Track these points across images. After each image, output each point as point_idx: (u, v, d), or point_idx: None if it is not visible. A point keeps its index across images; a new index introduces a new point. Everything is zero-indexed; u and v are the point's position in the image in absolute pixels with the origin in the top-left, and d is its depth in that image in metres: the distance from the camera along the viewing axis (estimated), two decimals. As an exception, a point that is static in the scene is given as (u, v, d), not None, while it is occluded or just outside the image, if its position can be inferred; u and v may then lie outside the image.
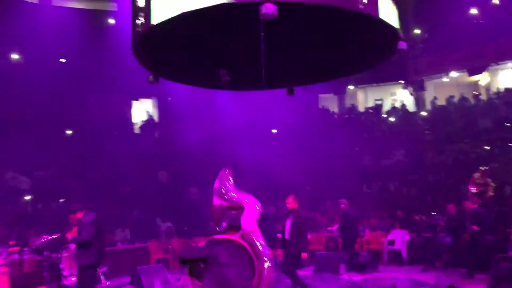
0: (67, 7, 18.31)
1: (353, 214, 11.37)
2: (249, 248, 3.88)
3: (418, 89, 21.77)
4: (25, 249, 7.92)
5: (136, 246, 12.65)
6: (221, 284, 3.62)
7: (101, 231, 6.74)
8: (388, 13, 4.29)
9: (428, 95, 21.77)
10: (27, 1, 17.58)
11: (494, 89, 20.10)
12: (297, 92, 6.23)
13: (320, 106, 23.11)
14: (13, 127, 16.03)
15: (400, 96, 22.65)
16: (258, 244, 3.93)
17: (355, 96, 24.05)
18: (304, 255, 7.42)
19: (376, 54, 5.20)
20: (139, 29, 4.25)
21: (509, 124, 16.28)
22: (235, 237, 3.92)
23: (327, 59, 5.55)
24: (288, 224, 7.64)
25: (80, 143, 17.29)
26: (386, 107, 22.50)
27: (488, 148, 15.97)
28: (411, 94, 21.96)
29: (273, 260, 4.53)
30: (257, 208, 4.14)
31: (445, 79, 21.39)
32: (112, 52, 16.65)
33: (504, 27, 17.61)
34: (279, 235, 7.78)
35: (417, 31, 20.47)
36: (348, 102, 23.52)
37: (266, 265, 3.88)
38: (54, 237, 7.30)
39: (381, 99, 23.42)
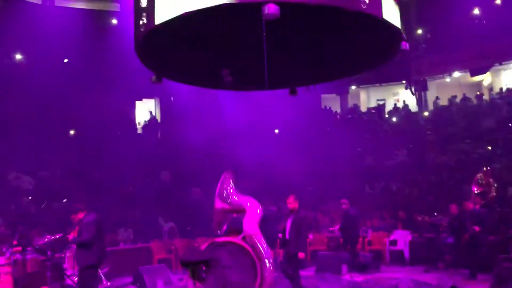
0: (69, 7, 18.35)
1: (354, 214, 11.37)
2: (251, 250, 3.91)
3: (420, 89, 21.74)
4: (28, 249, 7.93)
5: (138, 246, 12.67)
6: (224, 286, 3.65)
7: (101, 231, 6.76)
8: (391, 14, 4.30)
9: (431, 95, 21.73)
10: (29, 2, 17.63)
11: (496, 89, 20.06)
12: (299, 92, 6.24)
13: (323, 106, 23.10)
14: (17, 127, 16.07)
15: (402, 96, 22.62)
16: (260, 246, 3.96)
17: (358, 96, 24.03)
18: (301, 254, 7.38)
19: (379, 54, 5.20)
20: (142, 29, 4.26)
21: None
22: (237, 239, 3.95)
23: (330, 59, 5.55)
24: (288, 224, 7.63)
25: (83, 143, 17.32)
26: (389, 107, 22.48)
27: (491, 148, 15.94)
28: (414, 94, 21.93)
29: (274, 261, 4.55)
30: (259, 211, 4.17)
31: (447, 79, 21.36)
32: (114, 52, 16.69)
33: (507, 27, 17.56)
34: (280, 235, 7.77)
35: (420, 31, 20.45)
36: (350, 102, 23.51)
37: (267, 267, 3.91)
38: (57, 237, 7.31)
39: (383, 99, 23.41)
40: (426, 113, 20.85)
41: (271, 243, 7.59)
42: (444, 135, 17.78)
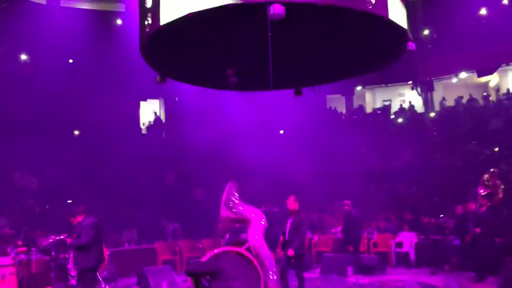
0: (74, 8, 18.40)
1: (356, 216, 11.33)
2: (256, 261, 3.90)
3: (426, 90, 21.63)
4: (33, 249, 7.93)
5: (143, 247, 12.66)
6: None
7: (100, 234, 6.76)
8: (397, 14, 4.25)
9: (437, 96, 21.63)
10: (35, 2, 17.68)
11: (503, 90, 19.93)
12: (304, 92, 6.20)
13: (328, 107, 23.04)
14: (21, 127, 16.12)
15: (408, 97, 22.53)
16: (264, 258, 3.94)
17: (363, 97, 23.95)
18: (290, 251, 7.32)
19: (385, 55, 5.16)
20: (147, 30, 4.24)
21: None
22: (241, 249, 3.94)
23: (335, 59, 5.51)
24: (288, 225, 7.58)
25: (88, 144, 17.35)
26: (394, 108, 22.39)
27: (498, 149, 15.83)
28: (420, 95, 21.83)
29: (278, 273, 4.54)
30: (263, 222, 4.17)
31: (454, 80, 21.24)
32: (119, 53, 16.72)
33: (514, 28, 17.46)
34: (282, 238, 7.72)
35: (426, 32, 20.35)
36: (356, 103, 23.43)
37: (272, 279, 3.90)
38: (61, 237, 7.30)
39: (389, 100, 23.31)
40: (432, 114, 20.75)
41: (273, 244, 7.56)
42: (450, 136, 17.68)
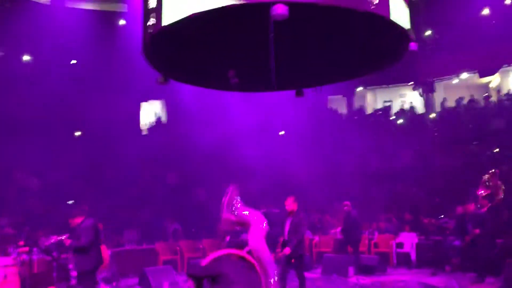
0: (77, 8, 18.41)
1: (356, 216, 11.35)
2: (257, 264, 3.92)
3: (427, 90, 21.63)
4: (35, 249, 7.95)
5: (144, 247, 12.68)
6: None
7: (99, 236, 6.77)
8: (399, 14, 4.26)
9: (438, 97, 21.62)
10: (38, 2, 17.71)
11: (504, 91, 19.92)
12: (306, 93, 6.20)
13: (329, 108, 23.03)
14: (24, 128, 16.15)
15: (409, 98, 22.52)
16: (265, 261, 3.97)
17: (364, 98, 23.95)
18: (286, 250, 7.31)
19: (387, 55, 5.16)
20: (150, 30, 4.25)
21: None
22: (242, 252, 3.96)
23: (337, 60, 5.52)
24: (287, 225, 7.58)
25: (89, 144, 17.38)
26: (395, 108, 22.38)
27: (499, 150, 15.82)
28: (421, 95, 21.82)
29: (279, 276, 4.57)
30: (264, 225, 4.19)
31: (455, 81, 21.24)
32: (121, 53, 16.73)
33: (516, 28, 17.46)
34: (281, 239, 7.72)
35: (428, 32, 20.34)
36: (357, 104, 23.43)
37: (272, 283, 3.92)
38: (63, 237, 7.31)
39: (390, 101, 23.29)
40: (433, 115, 20.74)
41: (273, 245, 7.56)
42: (451, 137, 17.67)
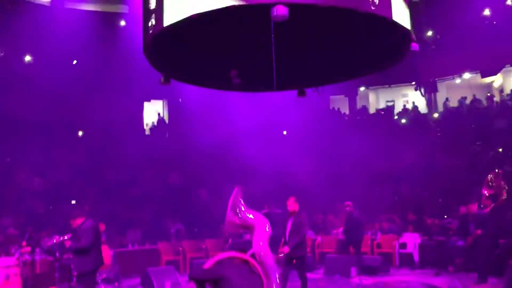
0: (78, 9, 18.44)
1: (358, 217, 11.34)
2: (260, 268, 3.92)
3: (430, 90, 21.58)
4: (37, 249, 7.96)
5: (146, 248, 12.69)
6: None
7: (99, 237, 6.77)
8: (401, 15, 4.25)
9: (440, 97, 21.58)
10: (38, 4, 17.74)
11: (507, 91, 19.86)
12: (308, 93, 6.20)
13: (331, 108, 23.02)
14: (26, 128, 16.18)
15: (411, 98, 22.48)
16: (268, 265, 3.97)
17: (366, 98, 23.91)
18: (285, 249, 7.28)
19: (389, 55, 5.16)
20: (151, 31, 4.26)
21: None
22: (246, 256, 3.96)
23: (339, 60, 5.51)
24: (288, 226, 7.54)
25: (91, 144, 17.41)
26: (398, 108, 22.35)
27: (502, 150, 15.77)
28: (423, 95, 21.79)
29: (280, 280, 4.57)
30: (267, 229, 4.19)
31: (457, 81, 21.19)
32: (123, 54, 16.75)
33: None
34: (283, 239, 7.69)
35: (430, 33, 20.31)
36: (359, 104, 23.40)
37: (274, 286, 3.93)
38: (65, 238, 7.32)
39: (392, 101, 23.26)
40: (435, 115, 20.70)
41: (275, 246, 7.54)
42: (454, 137, 17.63)
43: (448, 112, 20.29)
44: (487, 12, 18.97)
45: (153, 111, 22.07)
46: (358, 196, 15.27)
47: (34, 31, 16.44)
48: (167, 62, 5.13)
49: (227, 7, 3.63)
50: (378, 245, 12.76)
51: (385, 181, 16.89)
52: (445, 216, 12.73)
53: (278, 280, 3.99)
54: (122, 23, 19.35)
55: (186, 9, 3.83)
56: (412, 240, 12.20)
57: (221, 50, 5.28)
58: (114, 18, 19.30)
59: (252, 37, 4.89)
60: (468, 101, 20.06)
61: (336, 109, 22.90)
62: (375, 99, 24.02)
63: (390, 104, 22.94)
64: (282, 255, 7.32)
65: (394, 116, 21.65)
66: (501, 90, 20.64)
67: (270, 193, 14.73)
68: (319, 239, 13.43)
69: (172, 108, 21.99)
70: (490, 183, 11.39)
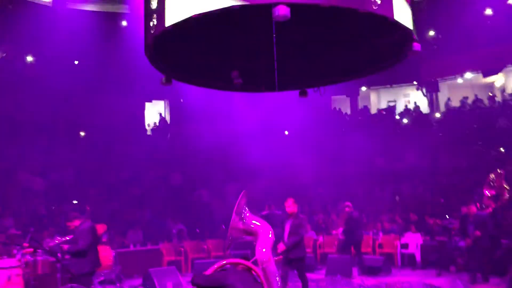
0: (79, 10, 18.46)
1: (357, 217, 11.32)
2: (262, 275, 3.91)
3: (432, 90, 21.57)
4: (39, 250, 7.95)
5: (148, 248, 12.68)
6: None
7: (96, 239, 6.76)
8: (403, 15, 4.24)
9: (442, 97, 21.55)
10: (40, 4, 17.76)
11: (509, 90, 19.84)
12: (309, 93, 6.18)
13: (333, 108, 23.01)
14: (28, 129, 16.21)
15: (413, 98, 22.47)
16: (270, 273, 3.96)
17: (368, 98, 23.91)
18: (280, 245, 7.24)
19: (390, 55, 5.14)
20: (152, 31, 4.25)
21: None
22: (248, 263, 3.95)
23: (340, 60, 5.51)
24: (287, 228, 7.51)
25: (93, 145, 17.42)
26: (399, 108, 22.34)
27: (504, 150, 15.75)
28: (425, 95, 21.77)
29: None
30: (270, 235, 4.18)
31: (459, 81, 21.17)
32: (125, 54, 16.76)
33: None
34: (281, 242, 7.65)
35: (431, 32, 20.30)
36: (360, 104, 23.40)
37: None
38: (67, 238, 7.31)
39: (394, 101, 23.26)
40: (437, 115, 20.68)
41: (274, 248, 7.50)
42: (456, 137, 17.62)
43: (450, 112, 20.28)
44: (488, 12, 18.95)
45: (154, 112, 22.09)
46: (360, 196, 15.29)
47: (36, 31, 16.45)
48: (168, 63, 5.12)
49: (229, 7, 3.63)
50: (380, 245, 12.75)
51: (387, 181, 16.89)
52: (447, 216, 12.71)
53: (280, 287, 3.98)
54: (124, 23, 19.37)
55: (187, 9, 3.83)
56: (414, 240, 12.19)
57: (223, 50, 5.27)
58: (115, 18, 19.32)
59: (254, 37, 4.88)
60: (470, 101, 20.04)
61: (337, 109, 22.91)
62: (377, 99, 24.01)
63: (391, 104, 22.94)
64: (281, 256, 7.28)
65: (396, 116, 21.65)
66: (503, 90, 20.63)
67: (272, 194, 14.73)
68: (320, 239, 13.42)
69: (173, 108, 22.01)
70: (492, 183, 11.38)
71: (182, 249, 12.82)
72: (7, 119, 15.81)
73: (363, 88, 23.12)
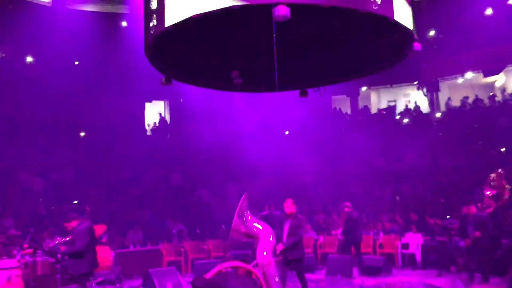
0: (79, 10, 18.45)
1: (357, 217, 11.31)
2: (262, 279, 3.91)
3: (432, 90, 21.56)
4: (39, 251, 7.94)
5: (148, 248, 12.67)
6: None
7: (94, 239, 6.75)
8: (403, 15, 4.23)
9: (443, 96, 21.54)
10: (40, 4, 17.76)
11: (509, 90, 19.83)
12: (309, 93, 6.18)
13: (333, 108, 23.00)
14: (28, 129, 16.20)
15: (413, 97, 22.46)
16: (271, 277, 3.96)
17: (368, 98, 23.90)
18: (279, 246, 7.20)
19: (391, 55, 5.14)
20: (152, 32, 4.24)
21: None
22: (249, 266, 3.95)
23: (340, 60, 5.50)
24: (286, 228, 7.48)
25: (94, 145, 17.42)
26: (400, 108, 22.34)
27: (504, 150, 15.74)
28: (425, 95, 21.76)
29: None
30: (271, 238, 4.18)
31: (459, 80, 21.16)
32: (125, 54, 16.76)
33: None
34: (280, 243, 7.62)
35: (432, 32, 20.29)
36: (361, 104, 23.39)
37: None
38: (67, 239, 7.30)
39: (394, 101, 23.25)
40: (438, 114, 20.67)
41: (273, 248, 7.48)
42: (456, 137, 17.61)
43: (451, 111, 20.27)
44: (489, 11, 18.94)
45: (154, 112, 22.08)
46: (360, 196, 15.26)
47: (35, 31, 16.44)
48: (168, 63, 5.11)
49: (229, 7, 3.62)
50: (380, 246, 12.74)
51: (387, 181, 16.87)
52: (448, 216, 12.68)
53: None
54: (124, 23, 19.36)
55: (187, 10, 3.82)
56: (414, 240, 12.18)
57: (223, 50, 5.27)
58: (115, 19, 19.31)
59: (254, 37, 4.88)
60: (470, 101, 20.04)
61: (338, 109, 22.89)
62: (377, 99, 24.00)
63: (392, 104, 22.93)
64: (280, 257, 7.26)
65: (396, 116, 21.64)
66: (503, 90, 20.62)
67: (272, 193, 14.72)
68: (321, 239, 13.41)
69: (173, 108, 22.00)
70: (492, 183, 11.36)
71: (182, 249, 12.81)
72: (7, 119, 15.80)
73: (364, 88, 23.11)
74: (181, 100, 20.56)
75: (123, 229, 13.61)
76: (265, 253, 4.07)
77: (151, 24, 4.25)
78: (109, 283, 9.40)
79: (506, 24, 17.93)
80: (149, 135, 20.70)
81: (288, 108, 17.30)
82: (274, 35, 4.29)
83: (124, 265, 10.74)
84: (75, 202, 14.57)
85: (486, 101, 19.67)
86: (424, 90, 21.72)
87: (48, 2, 18.17)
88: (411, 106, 21.74)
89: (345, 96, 23.19)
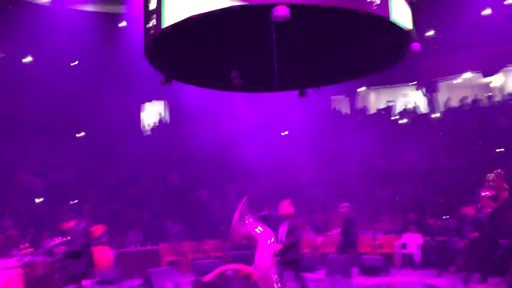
0: (78, 10, 18.46)
1: (354, 218, 11.31)
2: (262, 281, 3.92)
3: (431, 90, 21.56)
4: (38, 251, 7.96)
5: (147, 248, 12.68)
6: None
7: (90, 240, 6.76)
8: (402, 15, 4.24)
9: (442, 97, 21.55)
10: (39, 4, 17.76)
11: (508, 90, 19.84)
12: (309, 93, 6.19)
13: (332, 108, 23.00)
14: (27, 129, 16.20)
15: (412, 98, 22.46)
16: (269, 280, 3.97)
17: (367, 98, 23.89)
18: (277, 245, 7.18)
19: (389, 55, 5.15)
20: (151, 32, 4.25)
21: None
22: (249, 268, 3.96)
23: (339, 60, 5.51)
24: (284, 229, 7.46)
25: (93, 145, 17.42)
26: (399, 108, 22.33)
27: (503, 150, 15.74)
28: (424, 95, 21.76)
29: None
30: (271, 241, 4.19)
31: (458, 80, 21.17)
32: (124, 55, 16.77)
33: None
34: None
35: (430, 32, 20.29)
36: (360, 104, 23.39)
37: None
38: (67, 239, 7.31)
39: (393, 101, 23.24)
40: (437, 115, 20.67)
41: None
42: (455, 137, 17.60)
43: (450, 112, 20.27)
44: (487, 11, 18.94)
45: (154, 112, 22.08)
46: (359, 196, 15.26)
47: (35, 31, 16.45)
48: (167, 63, 5.12)
49: (229, 7, 3.63)
50: (380, 245, 12.73)
51: (386, 181, 16.87)
52: (447, 216, 12.69)
53: None
54: (123, 23, 19.36)
55: (187, 10, 3.83)
56: (413, 240, 12.17)
57: (222, 50, 5.28)
58: (114, 19, 19.31)
59: (254, 37, 4.88)
60: (469, 101, 20.04)
61: (337, 109, 22.89)
62: (376, 99, 23.98)
63: (391, 104, 22.91)
64: (278, 257, 7.25)
65: (395, 116, 21.63)
66: (502, 90, 20.62)
67: (271, 193, 14.72)
68: (320, 239, 13.41)
69: (173, 108, 22.00)
70: (490, 183, 11.35)
71: (182, 249, 12.80)
72: (7, 119, 15.81)
73: (363, 88, 23.10)
74: (181, 101, 20.57)
75: (123, 229, 13.61)
76: (265, 256, 4.07)
77: (150, 24, 4.26)
78: (108, 283, 9.41)
79: (505, 24, 17.94)
80: (149, 135, 20.71)
81: (287, 108, 17.30)
82: (274, 35, 4.30)
83: (124, 265, 10.76)
84: (73, 202, 14.58)
85: (485, 101, 19.67)
86: (423, 90, 21.72)
87: (48, 2, 18.18)
88: (410, 106, 21.74)
89: (344, 96, 23.19)
